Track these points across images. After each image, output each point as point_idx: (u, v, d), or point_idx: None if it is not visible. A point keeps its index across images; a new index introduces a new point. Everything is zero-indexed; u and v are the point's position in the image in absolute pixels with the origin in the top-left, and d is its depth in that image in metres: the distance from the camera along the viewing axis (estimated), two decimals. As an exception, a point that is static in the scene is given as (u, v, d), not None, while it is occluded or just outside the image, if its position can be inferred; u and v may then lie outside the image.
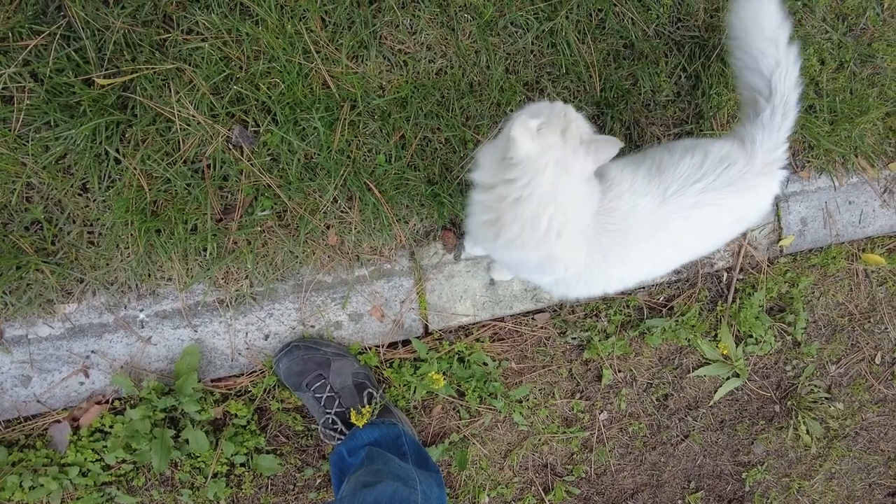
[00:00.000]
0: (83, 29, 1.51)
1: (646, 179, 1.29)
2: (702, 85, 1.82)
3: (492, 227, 1.20)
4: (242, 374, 1.65)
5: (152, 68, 1.53)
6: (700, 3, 1.83)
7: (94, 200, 1.55)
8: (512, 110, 1.69)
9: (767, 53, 1.37)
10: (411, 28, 1.67)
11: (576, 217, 1.17)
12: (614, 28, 1.76)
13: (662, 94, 1.81)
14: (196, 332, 1.62)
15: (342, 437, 1.60)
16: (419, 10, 1.67)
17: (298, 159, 1.58)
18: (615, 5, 1.76)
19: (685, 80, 1.83)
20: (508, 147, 1.10)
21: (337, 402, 1.62)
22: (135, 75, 1.53)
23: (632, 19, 1.77)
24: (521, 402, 1.80)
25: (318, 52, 1.59)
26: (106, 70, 1.53)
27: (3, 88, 1.48)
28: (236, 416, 1.64)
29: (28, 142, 1.51)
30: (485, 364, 1.74)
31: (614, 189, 1.27)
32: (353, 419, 1.54)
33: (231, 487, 1.66)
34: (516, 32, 1.71)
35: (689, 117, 1.84)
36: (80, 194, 1.55)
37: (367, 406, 1.61)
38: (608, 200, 1.26)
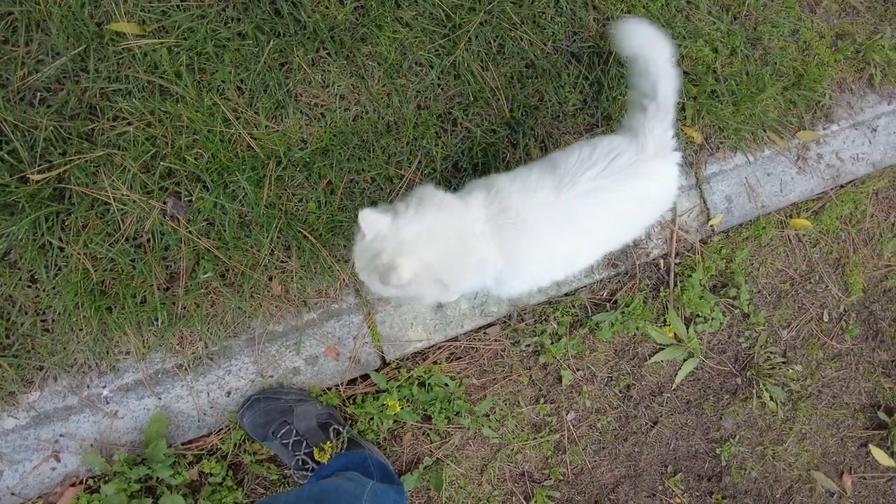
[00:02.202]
0: (12, 132, 1.56)
1: (539, 177, 1.32)
2: (605, 89, 1.88)
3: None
4: (211, 433, 1.64)
5: (83, 157, 1.57)
6: (591, 15, 1.90)
7: (44, 290, 1.57)
8: (427, 143, 1.74)
9: (651, 66, 1.44)
10: (323, 82, 1.73)
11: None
12: (513, 51, 1.83)
13: (569, 105, 1.86)
14: (160, 399, 1.62)
15: (311, 479, 1.59)
16: (328, 65, 1.73)
17: (232, 220, 1.61)
18: (511, 30, 1.82)
19: (588, 87, 1.89)
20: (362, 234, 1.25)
21: (304, 444, 1.61)
22: (67, 167, 1.57)
23: (529, 41, 1.84)
24: (487, 415, 1.79)
25: (237, 119, 1.64)
26: (39, 166, 1.56)
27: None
28: (211, 474, 1.62)
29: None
30: (445, 385, 1.74)
31: (503, 191, 1.31)
32: (316, 456, 1.53)
33: (215, 548, 1.64)
34: (421, 70, 1.77)
35: (599, 121, 1.89)
36: (28, 286, 1.57)
37: (340, 440, 1.61)
38: (497, 202, 1.30)
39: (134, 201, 1.58)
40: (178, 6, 1.64)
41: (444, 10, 1.78)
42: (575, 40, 1.89)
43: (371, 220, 1.23)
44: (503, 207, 1.29)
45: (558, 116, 1.86)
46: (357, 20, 1.74)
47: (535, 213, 1.29)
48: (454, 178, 1.76)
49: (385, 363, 1.74)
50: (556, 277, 1.43)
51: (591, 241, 1.39)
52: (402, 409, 1.67)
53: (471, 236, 1.28)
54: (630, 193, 1.34)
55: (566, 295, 1.86)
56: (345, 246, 1.69)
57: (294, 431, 1.61)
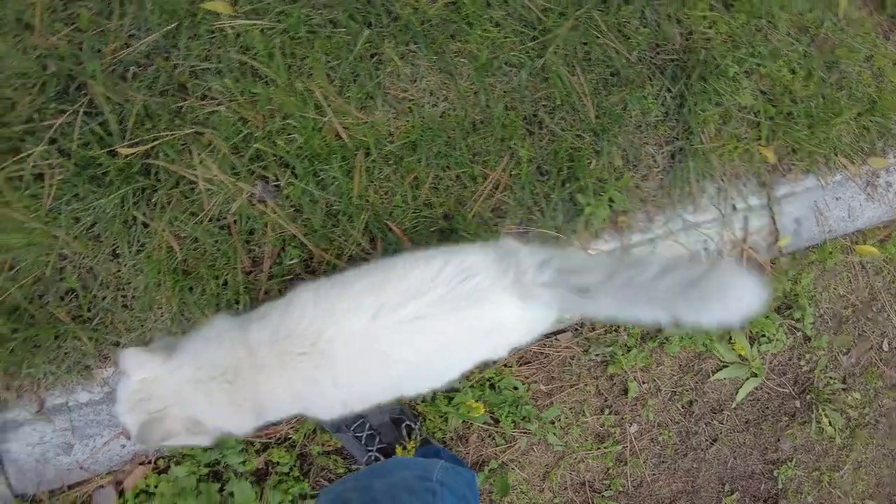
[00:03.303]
0: (104, 104, 1.52)
1: (359, 293, 1.09)
2: (687, 103, 1.85)
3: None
4: (282, 422, 1.60)
5: (173, 135, 1.53)
6: (675, 28, 1.88)
7: (125, 265, 1.52)
8: (514, 144, 1.70)
9: None
10: (412, 76, 1.69)
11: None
12: (600, 59, 1.80)
13: (652, 116, 1.83)
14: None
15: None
16: (417, 59, 1.70)
17: (321, 208, 1.57)
18: (598, 37, 1.79)
19: (671, 100, 1.85)
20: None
21: (378, 440, 1.57)
22: (156, 143, 1.52)
23: (615, 49, 1.81)
24: (553, 422, 1.75)
25: (328, 106, 1.60)
26: (129, 140, 1.52)
27: (32, 166, 1.48)
28: (279, 463, 1.57)
29: (60, 214, 1.49)
30: (515, 388, 1.70)
31: (303, 316, 1.09)
32: (398, 454, 1.49)
33: (277, 538, 1.60)
34: (511, 71, 1.74)
35: (679, 134, 1.85)
36: (111, 260, 1.52)
37: (410, 440, 1.56)
38: (292, 328, 1.09)
39: (221, 182, 1.53)
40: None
41: (534, 13, 1.75)
42: (658, 52, 1.86)
43: (135, 363, 1.07)
44: (296, 335, 1.08)
45: (640, 126, 1.83)
46: (448, 16, 1.71)
47: (337, 340, 1.06)
48: (539, 181, 1.72)
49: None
50: (356, 409, 1.19)
51: (406, 374, 1.14)
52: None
53: (251, 371, 1.09)
54: (469, 323, 1.08)
55: (637, 306, 1.82)
56: (426, 241, 1.65)
57: (368, 425, 1.56)
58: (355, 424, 1.56)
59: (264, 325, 1.11)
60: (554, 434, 1.75)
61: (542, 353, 1.74)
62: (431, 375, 1.18)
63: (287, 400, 1.12)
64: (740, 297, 0.96)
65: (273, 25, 1.61)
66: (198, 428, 1.10)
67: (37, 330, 1.46)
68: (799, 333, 1.96)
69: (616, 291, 1.03)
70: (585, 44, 1.79)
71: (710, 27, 1.90)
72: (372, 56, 1.66)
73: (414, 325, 1.05)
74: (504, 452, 1.72)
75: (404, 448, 1.49)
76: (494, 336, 1.13)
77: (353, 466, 1.64)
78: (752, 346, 1.89)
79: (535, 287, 1.07)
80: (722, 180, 1.89)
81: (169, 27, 1.58)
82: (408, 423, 1.59)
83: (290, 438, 1.60)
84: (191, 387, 1.08)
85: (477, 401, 1.65)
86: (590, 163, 1.73)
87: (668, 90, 1.85)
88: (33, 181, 1.48)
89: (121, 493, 1.52)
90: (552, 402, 1.76)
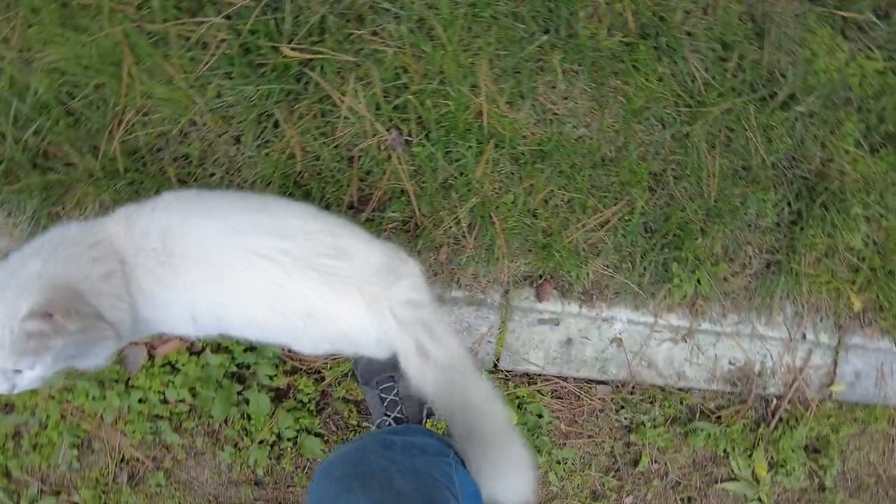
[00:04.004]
0: (288, 3, 1.55)
1: (228, 210, 1.05)
2: (801, 222, 1.83)
3: None
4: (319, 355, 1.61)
5: (336, 56, 1.55)
6: (817, 150, 1.87)
7: (244, 154, 1.54)
8: (634, 193, 1.70)
9: None
10: (565, 93, 1.70)
11: None
12: (739, 149, 1.79)
13: (764, 220, 1.81)
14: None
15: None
16: (577, 80, 1.71)
17: (439, 177, 1.58)
18: (745, 129, 1.79)
19: (787, 213, 1.84)
20: None
21: (399, 408, 1.56)
22: (318, 56, 1.55)
23: (755, 146, 1.80)
24: (559, 462, 1.73)
25: (483, 89, 1.62)
26: (295, 44, 1.55)
27: (203, 32, 1.51)
28: (301, 391, 1.57)
29: (207, 84, 1.52)
30: (539, 416, 1.68)
31: (163, 214, 1.03)
32: (428, 425, 1.49)
33: (271, 459, 1.59)
34: (656, 126, 1.74)
35: (782, 248, 1.83)
36: (233, 144, 1.54)
37: (428, 421, 1.56)
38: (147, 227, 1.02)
39: (362, 116, 1.55)
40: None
41: (697, 84, 1.76)
42: (794, 165, 1.85)
43: None
44: (156, 238, 1.00)
45: (750, 226, 1.81)
46: (619, 53, 1.72)
47: (190, 248, 1.00)
48: (642, 236, 1.71)
49: (496, 368, 1.69)
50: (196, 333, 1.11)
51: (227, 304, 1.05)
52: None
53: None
54: (304, 292, 1.00)
55: (680, 389, 1.80)
56: (518, 247, 1.65)
57: (396, 391, 1.56)
58: (385, 385, 1.55)
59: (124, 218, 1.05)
60: (556, 474, 1.73)
61: (577, 395, 1.73)
62: (247, 318, 1.05)
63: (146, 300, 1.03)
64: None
65: (467, 10, 1.63)
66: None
67: (144, 177, 1.49)
68: (817, 480, 1.92)
69: (438, 387, 1.04)
70: (731, 130, 1.78)
71: (851, 163, 1.89)
72: (537, 60, 1.68)
73: (255, 260, 0.98)
74: (504, 471, 1.70)
75: (434, 426, 1.49)
76: (315, 323, 1.02)
77: (364, 423, 1.64)
78: (769, 470, 1.86)
79: (391, 313, 1.01)
80: (803, 306, 1.87)
81: (368, -41, 1.62)
82: (430, 406, 1.59)
83: (320, 373, 1.60)
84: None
85: (516, 409, 1.64)
86: (696, 239, 1.72)
87: (789, 204, 1.84)
88: (197, 46, 1.52)
89: (150, 358, 1.53)
90: (566, 444, 1.74)
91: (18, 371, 0.89)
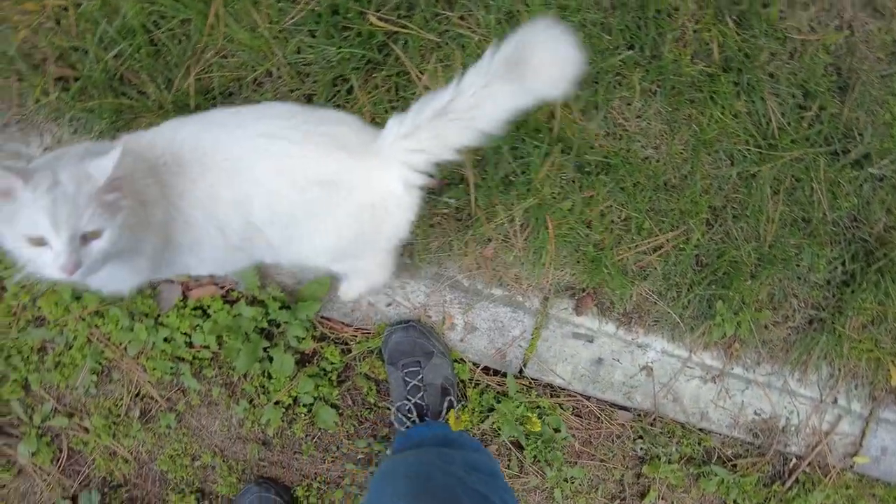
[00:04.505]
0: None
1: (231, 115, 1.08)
2: (853, 285, 1.77)
3: None
4: (351, 326, 1.58)
5: (420, 33, 1.54)
6: (881, 215, 1.81)
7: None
8: (691, 223, 1.66)
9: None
10: (639, 112, 1.67)
11: None
12: (802, 199, 1.74)
13: (816, 275, 1.76)
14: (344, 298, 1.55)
15: (410, 427, 1.50)
16: (653, 101, 1.67)
17: (501, 171, 1.55)
18: (811, 180, 1.74)
19: (840, 273, 1.78)
20: None
21: (420, 395, 1.52)
22: (403, 30, 1.53)
23: (820, 199, 1.75)
24: (567, 481, 1.68)
25: (559, 91, 1.59)
26: (383, 13, 1.53)
27: (297, -14, 1.51)
28: (326, 359, 1.54)
29: (289, 39, 1.50)
30: (556, 430, 1.63)
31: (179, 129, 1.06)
32: (451, 419, 1.45)
33: (284, 421, 1.56)
34: (724, 161, 1.70)
35: (829, 307, 1.78)
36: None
37: (447, 415, 1.52)
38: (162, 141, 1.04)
39: (435, 97, 1.53)
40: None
41: (772, 127, 1.71)
42: (855, 226, 1.80)
43: None
44: (164, 152, 1.02)
45: (800, 278, 1.76)
46: (699, 82, 1.68)
47: (201, 155, 1.02)
48: (693, 268, 1.67)
49: (521, 373, 1.65)
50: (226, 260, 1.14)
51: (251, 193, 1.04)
52: (518, 424, 1.58)
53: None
54: (317, 159, 1.03)
55: (700, 430, 1.75)
56: (567, 256, 1.61)
57: (420, 377, 1.52)
58: (410, 369, 1.52)
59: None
60: (562, 492, 1.68)
61: (597, 416, 1.68)
62: (272, 209, 1.06)
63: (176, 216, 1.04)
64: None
65: (557, 11, 1.60)
66: None
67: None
68: (822, 550, 1.85)
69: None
70: (798, 179, 1.73)
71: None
72: (617, 74, 1.64)
73: (265, 143, 1.01)
74: (510, 479, 1.66)
75: (458, 417, 1.45)
76: (337, 194, 1.06)
77: (382, 403, 1.61)
78: (775, 531, 1.80)
79: (395, 147, 1.05)
80: (840, 370, 1.81)
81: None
82: (451, 398, 1.55)
83: (347, 344, 1.57)
84: None
85: (514, 417, 1.59)
86: (745, 281, 1.67)
87: (843, 263, 1.78)
88: (287, 2, 1.50)
89: (184, 298, 1.51)
90: (577, 463, 1.69)
91: (86, 242, 0.89)
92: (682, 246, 1.64)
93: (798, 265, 1.73)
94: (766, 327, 1.74)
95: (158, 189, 1.01)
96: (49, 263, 0.87)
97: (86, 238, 0.89)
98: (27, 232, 0.86)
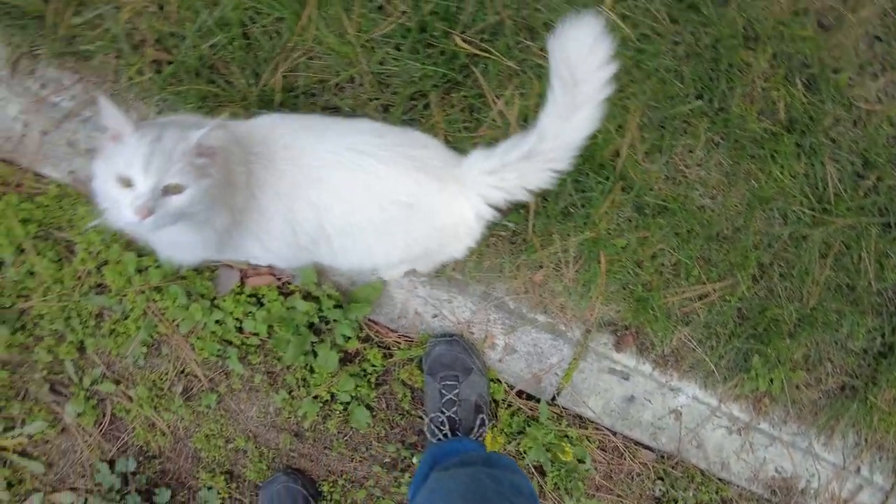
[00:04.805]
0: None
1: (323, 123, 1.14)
2: (890, 357, 1.78)
3: None
4: (396, 331, 1.61)
5: (501, 59, 1.57)
6: (924, 294, 1.82)
7: (385, 119, 1.56)
8: (738, 275, 1.68)
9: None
10: (700, 161, 1.69)
11: None
12: (849, 267, 1.74)
13: (854, 343, 1.76)
14: (381, 276, 1.60)
15: (441, 440, 1.53)
16: (715, 152, 1.69)
17: (562, 201, 1.58)
18: (860, 249, 1.75)
19: (879, 344, 1.78)
20: None
21: (454, 409, 1.55)
22: (485, 55, 1.56)
23: (867, 268, 1.76)
24: (583, 511, 1.70)
25: (627, 131, 1.62)
26: (468, 35, 1.57)
27: (383, 2, 1.55)
28: (367, 361, 1.57)
29: (375, 48, 1.54)
30: (580, 461, 1.65)
31: (276, 125, 1.13)
32: (487, 439, 1.48)
33: (319, 416, 1.59)
34: (777, 220, 1.71)
35: (864, 376, 1.78)
36: (380, 111, 1.56)
37: (478, 432, 1.54)
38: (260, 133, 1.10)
39: (507, 122, 1.56)
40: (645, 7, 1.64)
41: (828, 192, 1.72)
42: (896, 299, 1.81)
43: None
44: (259, 144, 1.07)
45: (838, 343, 1.76)
46: (762, 140, 1.70)
47: (291, 152, 1.07)
48: (734, 320, 1.69)
49: (553, 401, 1.67)
50: (289, 254, 1.18)
51: (321, 200, 1.10)
52: (545, 449, 1.60)
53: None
54: (403, 180, 1.08)
55: (720, 479, 1.76)
56: (614, 293, 1.64)
57: (457, 391, 1.55)
58: (448, 382, 1.54)
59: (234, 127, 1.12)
60: (577, 522, 1.70)
61: (621, 452, 1.70)
62: (347, 219, 1.12)
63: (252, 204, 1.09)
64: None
65: (639, 42, 1.63)
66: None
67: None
68: None
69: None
70: (847, 246, 1.75)
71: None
72: (684, 122, 1.67)
73: (354, 156, 1.06)
74: (529, 502, 1.68)
75: (493, 439, 1.47)
76: (413, 214, 1.12)
77: (415, 411, 1.63)
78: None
79: (478, 179, 1.11)
80: (866, 440, 1.81)
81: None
82: (484, 416, 1.57)
83: (390, 349, 1.60)
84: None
85: (543, 443, 1.61)
86: (784, 339, 1.69)
87: (883, 335, 1.79)
88: (379, 10, 1.55)
89: (241, 284, 1.55)
90: (594, 496, 1.70)
91: (166, 195, 0.93)
92: (727, 297, 1.66)
93: (837, 330, 1.74)
94: (798, 387, 1.75)
95: (245, 177, 1.05)
96: (127, 204, 0.92)
97: (167, 191, 0.94)
98: (120, 171, 0.92)
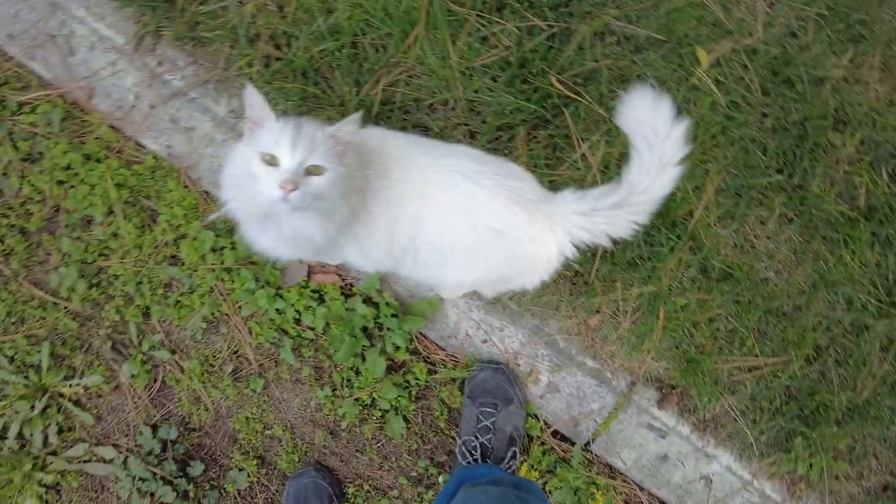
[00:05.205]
0: (575, 43, 1.62)
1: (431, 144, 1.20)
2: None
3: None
4: (444, 350, 1.63)
5: (592, 105, 1.60)
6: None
7: (470, 145, 1.61)
8: (793, 353, 1.66)
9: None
10: (770, 233, 1.68)
11: None
12: (907, 367, 1.72)
13: (900, 445, 1.73)
14: (440, 294, 1.63)
15: (471, 463, 1.54)
16: (787, 227, 1.68)
17: (629, 253, 1.60)
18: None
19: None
20: None
21: (488, 436, 1.56)
22: (578, 98, 1.60)
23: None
24: (599, 562, 1.69)
25: (704, 193, 1.63)
26: (564, 77, 1.61)
27: (493, 32, 1.60)
28: (412, 373, 1.60)
29: (473, 76, 1.59)
30: (602, 513, 1.65)
31: (389, 142, 1.18)
32: (522, 472, 1.48)
33: (356, 419, 1.62)
34: (841, 304, 1.69)
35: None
36: (467, 136, 1.60)
37: (508, 463, 1.55)
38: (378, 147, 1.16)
39: (588, 166, 1.59)
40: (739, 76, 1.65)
41: (898, 285, 1.70)
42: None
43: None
44: (374, 153, 1.13)
45: (885, 440, 1.71)
46: (837, 223, 1.68)
47: (404, 167, 1.13)
48: (781, 397, 1.66)
49: (587, 447, 1.67)
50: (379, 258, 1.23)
51: (423, 216, 1.15)
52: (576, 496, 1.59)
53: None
54: (492, 206, 1.12)
55: (740, 555, 1.72)
56: (666, 350, 1.64)
57: (494, 419, 1.56)
58: (486, 409, 1.55)
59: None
60: (590, 571, 1.68)
61: (645, 509, 1.68)
62: (441, 236, 1.17)
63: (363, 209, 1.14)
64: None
65: (729, 109, 1.65)
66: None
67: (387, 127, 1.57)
68: None
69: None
70: (907, 346, 1.72)
71: None
72: (760, 192, 1.67)
73: (458, 178, 1.11)
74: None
75: (527, 469, 1.48)
76: (501, 240, 1.15)
77: (449, 431, 1.65)
78: None
79: (569, 218, 1.15)
80: (899, 546, 1.76)
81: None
82: (516, 449, 1.58)
83: (435, 366, 1.62)
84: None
85: (570, 486, 1.61)
86: (831, 427, 1.65)
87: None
88: (483, 42, 1.60)
89: (307, 278, 1.60)
90: (612, 550, 1.69)
91: (307, 175, 0.99)
92: (777, 373, 1.64)
93: (888, 428, 1.70)
94: (837, 478, 1.70)
95: (362, 182, 1.10)
96: (272, 180, 0.97)
97: (309, 172, 0.99)
98: (266, 149, 0.98)
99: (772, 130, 1.67)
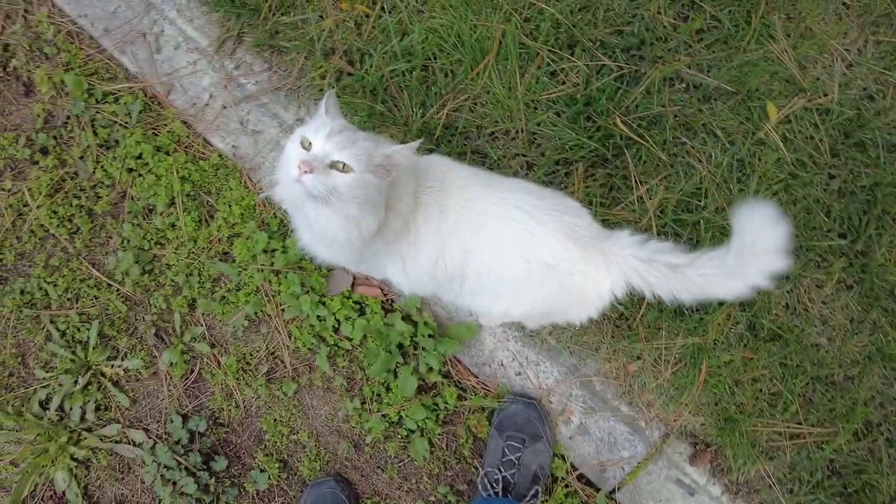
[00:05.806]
0: (643, 86, 1.61)
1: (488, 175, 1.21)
2: None
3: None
4: (477, 377, 1.62)
5: (653, 148, 1.59)
6: None
7: (525, 176, 1.61)
8: (841, 426, 1.58)
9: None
10: (827, 298, 1.62)
11: None
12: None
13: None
14: (479, 321, 1.62)
15: (491, 496, 1.51)
16: (845, 294, 1.62)
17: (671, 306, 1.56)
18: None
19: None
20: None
21: (512, 471, 1.53)
22: (640, 141, 1.59)
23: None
24: None
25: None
26: (628, 119, 1.60)
27: (562, 68, 1.61)
28: (442, 396, 1.59)
29: (537, 110, 1.61)
30: (623, 564, 1.59)
31: (446, 169, 1.19)
32: None
33: (381, 435, 1.61)
34: (888, 382, 1.62)
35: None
36: (524, 167, 1.61)
37: (532, 502, 1.51)
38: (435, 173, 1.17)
39: (646, 209, 1.57)
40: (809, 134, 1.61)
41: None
42: None
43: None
44: (434, 180, 1.14)
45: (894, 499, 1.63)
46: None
47: (461, 195, 1.14)
48: (825, 472, 1.58)
49: (611, 495, 1.61)
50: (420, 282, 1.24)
51: (480, 246, 1.15)
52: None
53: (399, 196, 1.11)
54: (546, 241, 1.12)
55: None
56: (705, 404, 1.58)
57: (519, 455, 1.53)
58: (513, 443, 1.53)
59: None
60: None
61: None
62: (490, 267, 1.17)
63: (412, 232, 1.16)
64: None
65: (794, 167, 1.61)
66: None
67: (447, 151, 1.59)
68: None
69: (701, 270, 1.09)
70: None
71: None
72: (819, 255, 1.62)
73: (513, 211, 1.11)
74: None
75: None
76: (552, 275, 1.13)
77: (472, 460, 1.62)
78: None
79: (626, 258, 1.13)
80: None
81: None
82: (539, 487, 1.54)
83: (465, 392, 1.61)
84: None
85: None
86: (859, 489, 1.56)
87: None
88: (552, 76, 1.61)
89: (351, 289, 1.62)
90: None
91: (333, 168, 1.01)
92: (822, 445, 1.56)
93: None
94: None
95: (411, 206, 1.11)
96: (295, 158, 1.00)
97: (335, 166, 1.01)
98: (307, 133, 1.02)
99: (838, 193, 1.62)
